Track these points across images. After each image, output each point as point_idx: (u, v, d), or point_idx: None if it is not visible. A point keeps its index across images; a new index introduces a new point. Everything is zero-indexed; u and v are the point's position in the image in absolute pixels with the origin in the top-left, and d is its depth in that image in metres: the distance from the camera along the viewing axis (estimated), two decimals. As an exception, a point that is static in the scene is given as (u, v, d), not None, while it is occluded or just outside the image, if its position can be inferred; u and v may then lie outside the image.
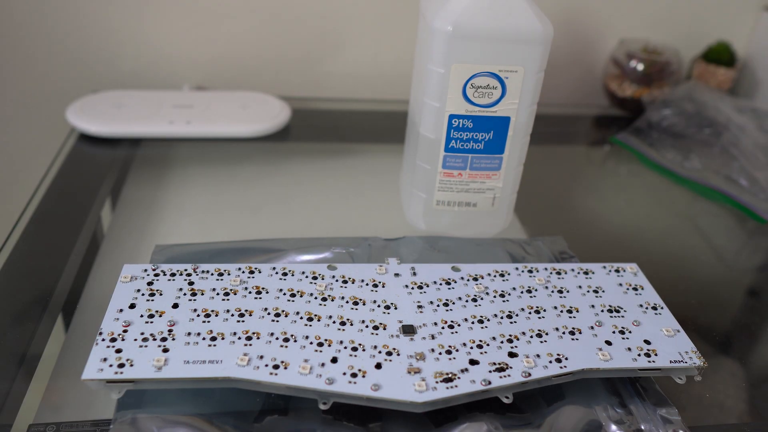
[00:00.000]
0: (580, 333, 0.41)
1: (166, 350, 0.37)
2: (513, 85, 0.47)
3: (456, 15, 0.45)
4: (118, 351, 0.37)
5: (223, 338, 0.38)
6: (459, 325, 0.41)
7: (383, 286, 0.44)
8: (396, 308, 0.42)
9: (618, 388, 0.41)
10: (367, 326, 0.40)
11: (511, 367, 0.38)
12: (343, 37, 0.82)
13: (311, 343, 0.39)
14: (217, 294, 0.42)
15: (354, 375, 0.37)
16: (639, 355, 0.40)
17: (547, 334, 0.41)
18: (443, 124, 0.49)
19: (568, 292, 0.45)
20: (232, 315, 0.40)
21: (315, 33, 0.81)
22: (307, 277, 0.44)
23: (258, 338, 0.38)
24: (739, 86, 0.89)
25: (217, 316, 0.40)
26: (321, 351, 0.38)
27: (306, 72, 0.83)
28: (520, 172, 0.53)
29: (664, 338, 0.41)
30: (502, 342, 0.40)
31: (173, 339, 0.38)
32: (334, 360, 0.37)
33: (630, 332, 0.42)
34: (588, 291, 0.45)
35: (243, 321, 0.40)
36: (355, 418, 0.38)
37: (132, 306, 0.40)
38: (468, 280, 0.45)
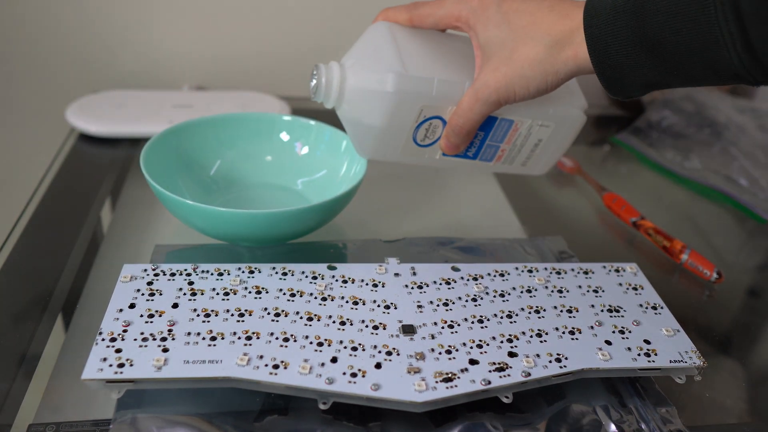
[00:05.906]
0: (580, 333, 0.41)
1: (165, 350, 0.37)
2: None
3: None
4: (118, 351, 0.36)
5: (222, 338, 0.38)
6: (459, 325, 0.41)
7: (383, 286, 0.44)
8: (396, 308, 0.42)
9: (618, 388, 0.41)
10: (367, 326, 0.40)
11: (511, 367, 0.38)
12: (343, 37, 0.81)
13: (311, 342, 0.39)
14: (217, 294, 0.42)
15: (354, 375, 0.37)
16: (639, 354, 0.40)
17: (546, 333, 0.41)
18: None
19: (568, 291, 0.45)
20: (232, 315, 0.40)
21: (315, 33, 0.81)
22: (306, 276, 0.44)
23: (258, 338, 0.38)
24: (739, 86, 0.89)
25: (216, 315, 0.40)
26: (321, 351, 0.38)
27: (306, 72, 0.83)
28: None
29: (664, 338, 0.41)
30: (502, 342, 0.40)
31: (173, 339, 0.38)
32: (334, 360, 0.37)
33: (630, 332, 0.42)
34: (588, 291, 0.45)
35: (243, 321, 0.40)
36: (355, 418, 0.38)
37: (132, 306, 0.40)
38: (468, 280, 0.45)
